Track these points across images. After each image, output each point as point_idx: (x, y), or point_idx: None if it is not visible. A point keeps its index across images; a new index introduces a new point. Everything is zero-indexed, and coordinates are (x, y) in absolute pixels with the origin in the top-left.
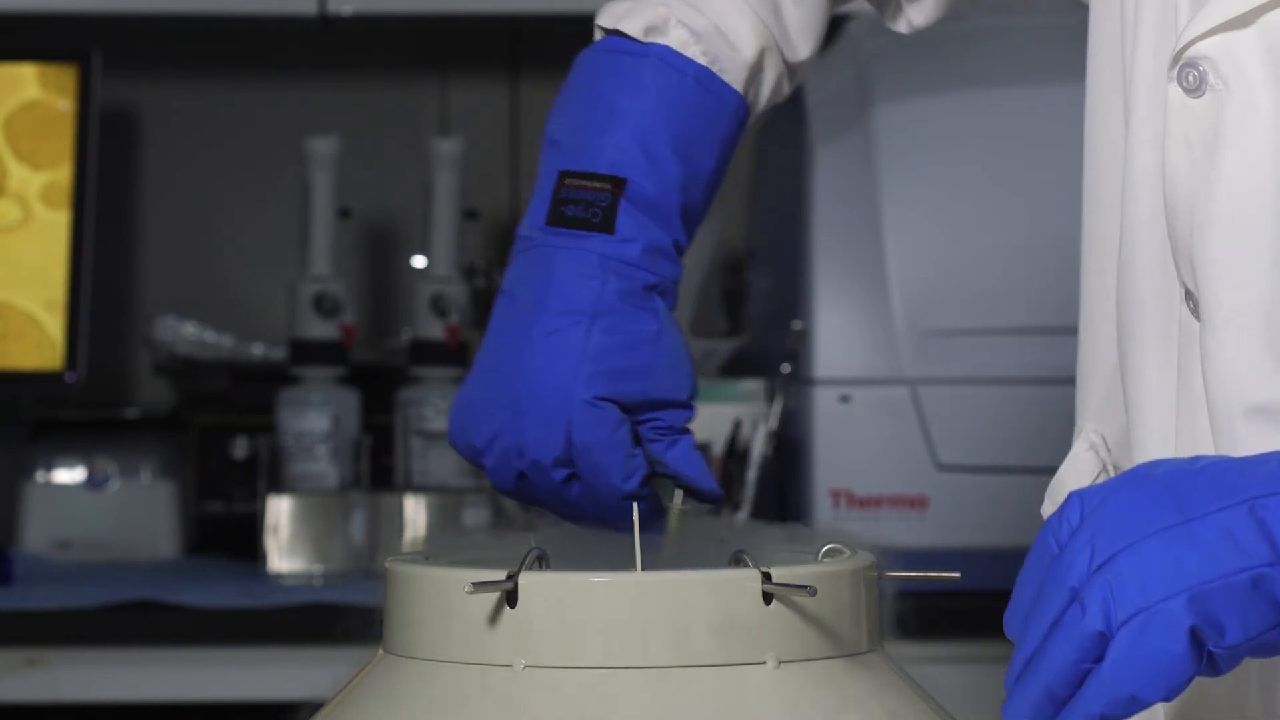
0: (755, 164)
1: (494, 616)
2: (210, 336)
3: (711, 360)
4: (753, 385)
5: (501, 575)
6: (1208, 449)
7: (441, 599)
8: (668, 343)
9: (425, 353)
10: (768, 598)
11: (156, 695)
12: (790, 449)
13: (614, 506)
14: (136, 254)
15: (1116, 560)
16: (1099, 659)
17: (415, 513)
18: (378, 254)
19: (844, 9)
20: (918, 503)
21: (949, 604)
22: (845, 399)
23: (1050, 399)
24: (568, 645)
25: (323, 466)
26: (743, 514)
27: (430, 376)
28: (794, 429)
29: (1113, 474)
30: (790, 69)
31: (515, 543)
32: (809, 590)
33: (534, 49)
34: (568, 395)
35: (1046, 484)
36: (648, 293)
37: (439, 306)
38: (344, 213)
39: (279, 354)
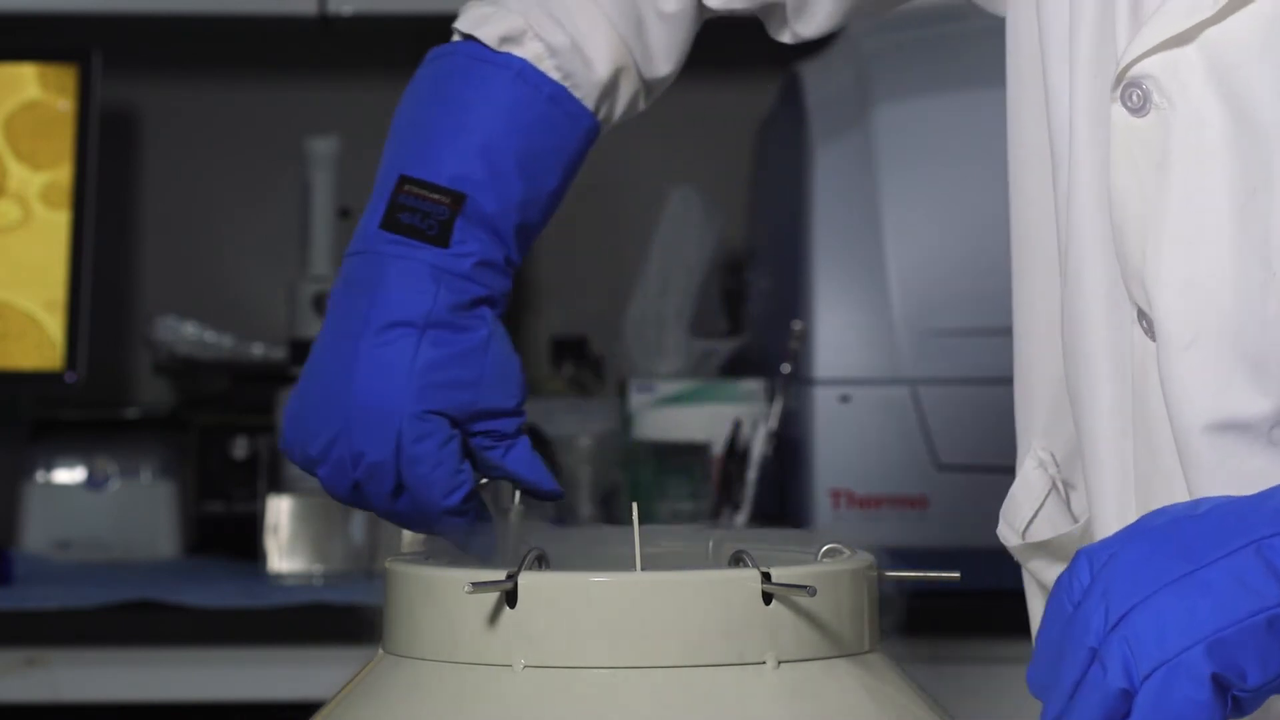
0: (755, 164)
1: (494, 616)
2: (210, 336)
3: (711, 360)
4: (753, 385)
5: (501, 575)
6: (1168, 466)
7: (441, 599)
8: (495, 353)
9: None
10: (768, 598)
11: (156, 695)
12: (790, 449)
13: (438, 520)
14: (136, 254)
15: (1131, 616)
16: (1126, 716)
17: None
18: None
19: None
20: (918, 503)
21: (949, 604)
22: (845, 399)
23: None
24: (567, 645)
25: None
26: (743, 514)
27: None
28: (794, 429)
29: (1062, 490)
30: (648, 85)
31: (515, 542)
32: (809, 590)
33: None
34: (398, 408)
35: None
36: (477, 304)
37: None
38: (344, 213)
39: (279, 354)
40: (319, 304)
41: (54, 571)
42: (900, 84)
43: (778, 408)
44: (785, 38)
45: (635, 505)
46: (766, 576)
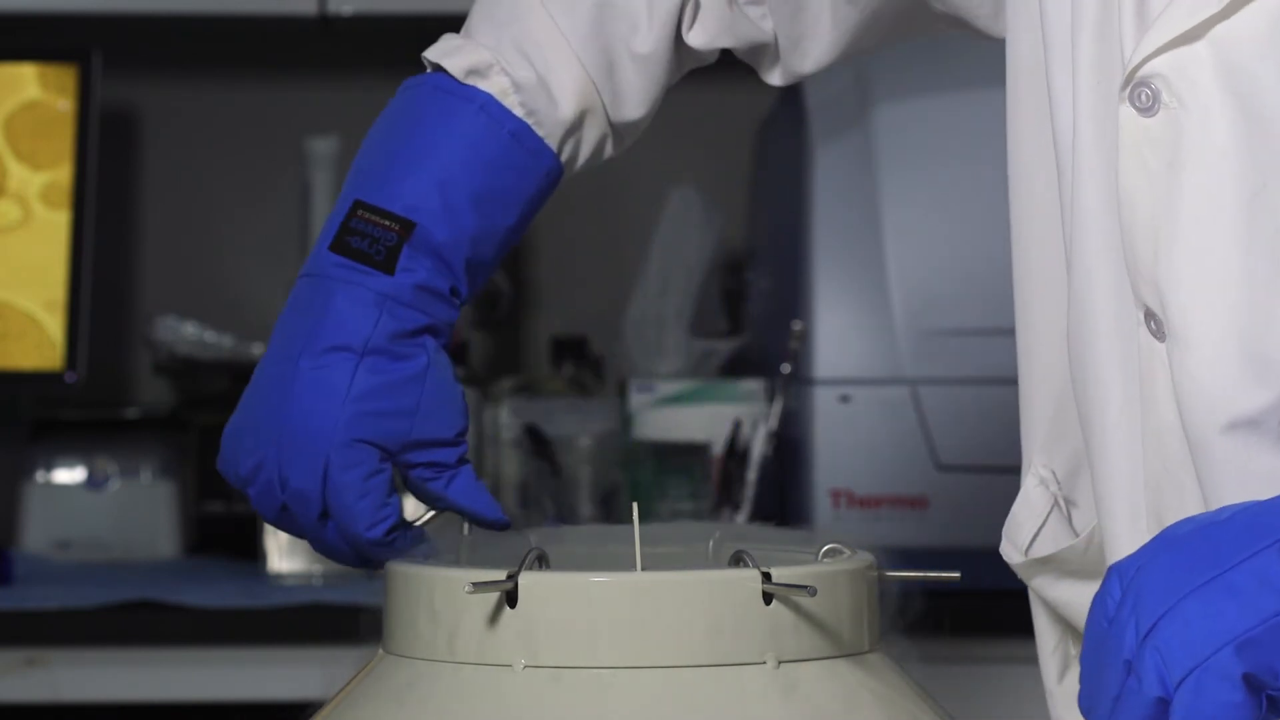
0: (755, 164)
1: (494, 616)
2: (210, 336)
3: (711, 360)
4: (753, 385)
5: (501, 575)
6: (1178, 470)
7: (441, 599)
8: (435, 382)
9: None
10: (768, 598)
11: (156, 695)
12: (790, 449)
13: (365, 550)
14: (136, 254)
15: (1160, 625)
16: None
17: (415, 512)
18: None
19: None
20: (918, 503)
21: (949, 604)
22: (845, 399)
23: None
24: (567, 645)
25: None
26: (743, 514)
27: None
28: (794, 429)
29: (1064, 508)
30: (617, 130)
31: (515, 542)
32: (809, 590)
33: None
34: (328, 435)
35: None
36: (419, 333)
37: None
38: None
39: None
40: None
41: (54, 571)
42: (900, 84)
43: (778, 408)
44: (775, 79)
45: (635, 505)
46: (766, 576)
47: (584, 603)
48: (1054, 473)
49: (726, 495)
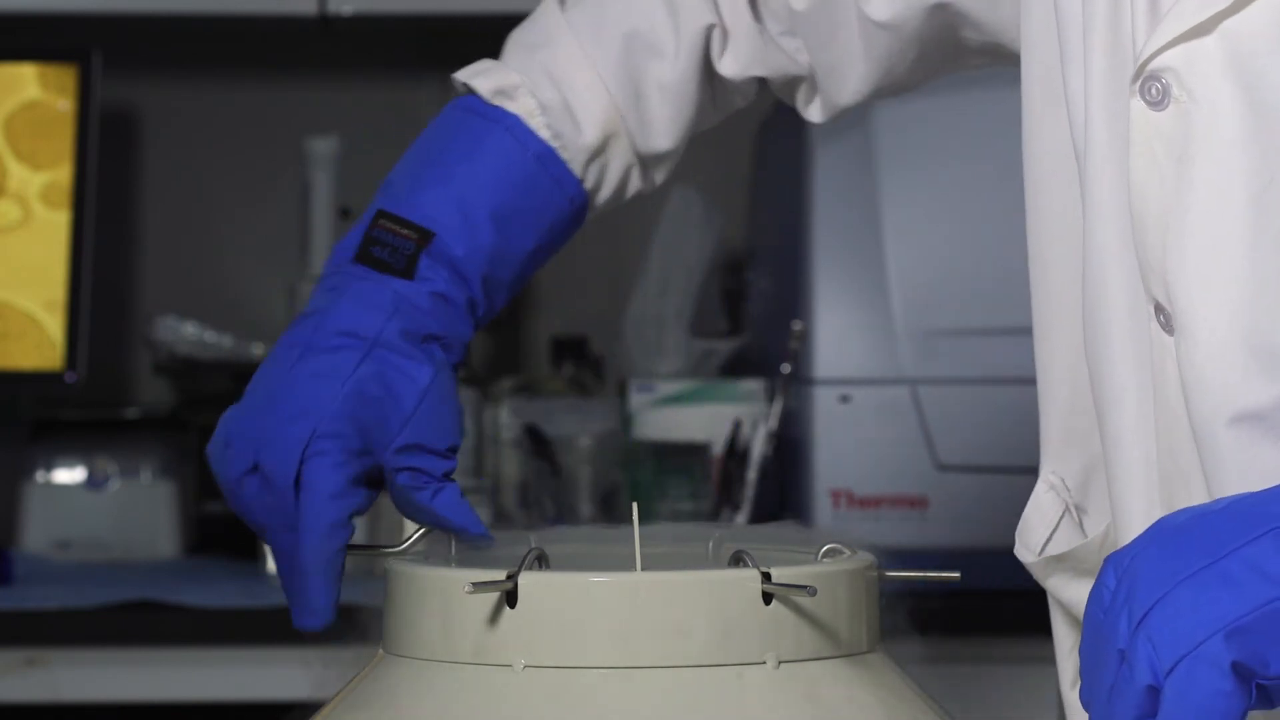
0: (755, 164)
1: (494, 616)
2: (210, 336)
3: (711, 360)
4: (753, 385)
5: (501, 575)
6: (1187, 464)
7: (441, 599)
8: (437, 391)
9: None
10: (768, 598)
11: (156, 695)
12: (790, 449)
13: (307, 543)
14: (136, 254)
15: (1152, 614)
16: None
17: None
18: None
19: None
20: (918, 503)
21: (949, 604)
22: (845, 399)
23: None
24: (567, 645)
25: None
26: (743, 514)
27: None
28: (794, 429)
29: (1074, 514)
30: (644, 161)
31: (515, 542)
32: (809, 590)
33: None
34: (324, 406)
35: None
36: (429, 340)
37: None
38: (344, 213)
39: None
40: None
41: (54, 571)
42: None
43: (778, 408)
44: (815, 114)
45: (635, 505)
46: (766, 576)
47: (584, 603)
48: (1064, 480)
49: (726, 495)
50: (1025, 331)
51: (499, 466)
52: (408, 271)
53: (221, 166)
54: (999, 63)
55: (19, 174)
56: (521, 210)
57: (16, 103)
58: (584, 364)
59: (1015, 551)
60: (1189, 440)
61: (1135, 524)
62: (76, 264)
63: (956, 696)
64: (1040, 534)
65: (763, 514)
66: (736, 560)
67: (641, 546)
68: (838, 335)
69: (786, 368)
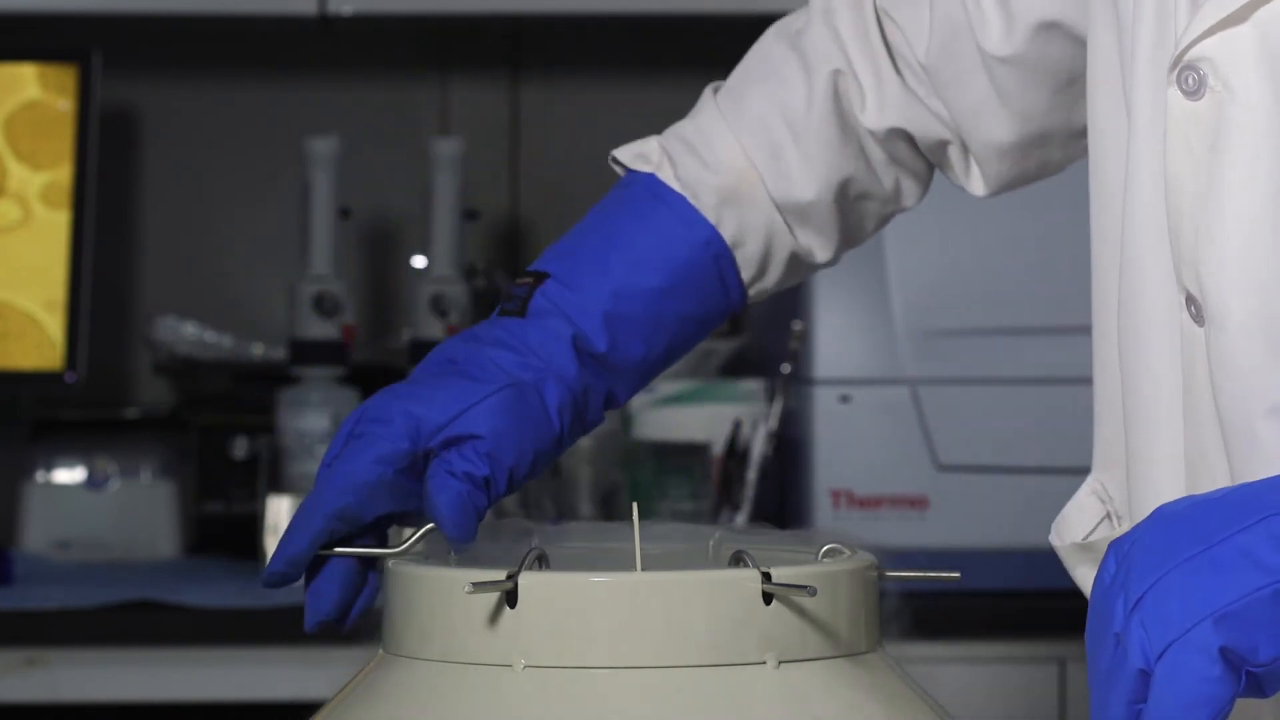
0: None
1: (494, 616)
2: (210, 336)
3: (711, 360)
4: (753, 385)
5: (501, 575)
6: (1213, 457)
7: (441, 599)
8: (526, 408)
9: (425, 353)
10: (768, 598)
11: (156, 695)
12: (790, 449)
13: (315, 509)
14: (136, 254)
15: (1145, 598)
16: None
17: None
18: (378, 254)
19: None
20: (918, 503)
21: (949, 604)
22: (845, 399)
23: (1050, 399)
24: (567, 645)
25: None
26: (743, 514)
27: None
28: (794, 429)
29: (1114, 521)
30: (785, 210)
31: (516, 531)
32: (809, 590)
33: (534, 49)
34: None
35: (1046, 483)
36: (527, 356)
37: (439, 307)
38: (344, 213)
39: (279, 354)
40: (319, 304)
41: (54, 571)
42: None
43: (778, 408)
44: (976, 186)
45: (635, 505)
46: (766, 576)
47: (584, 602)
48: (1104, 486)
49: (726, 495)
50: (1025, 331)
51: None
52: (521, 311)
53: (221, 166)
54: None
55: (19, 174)
56: (643, 245)
57: (16, 103)
58: None
59: (1049, 538)
60: (1215, 433)
61: None
62: (76, 264)
63: (956, 696)
64: (1077, 532)
65: (763, 514)
66: (736, 560)
67: (641, 546)
68: (838, 335)
69: (786, 368)
